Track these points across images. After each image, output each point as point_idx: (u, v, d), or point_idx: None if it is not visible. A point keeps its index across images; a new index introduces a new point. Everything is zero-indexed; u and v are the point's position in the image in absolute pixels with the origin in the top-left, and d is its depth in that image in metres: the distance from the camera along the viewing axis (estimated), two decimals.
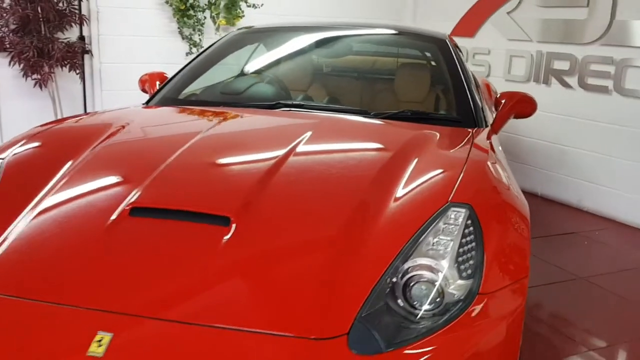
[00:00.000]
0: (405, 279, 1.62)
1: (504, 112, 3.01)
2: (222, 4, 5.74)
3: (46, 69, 4.95)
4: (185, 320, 1.52)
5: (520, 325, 1.72)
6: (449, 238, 1.70)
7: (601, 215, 4.90)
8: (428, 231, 1.72)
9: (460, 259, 1.67)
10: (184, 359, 1.45)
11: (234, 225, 1.74)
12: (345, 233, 1.75)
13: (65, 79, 5.34)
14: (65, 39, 5.12)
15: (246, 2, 5.82)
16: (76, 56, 5.16)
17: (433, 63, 3.36)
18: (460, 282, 1.63)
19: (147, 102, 3.14)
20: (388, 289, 1.60)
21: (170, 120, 2.79)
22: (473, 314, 1.59)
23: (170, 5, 5.64)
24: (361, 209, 1.84)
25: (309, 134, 2.35)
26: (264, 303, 1.58)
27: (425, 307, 1.59)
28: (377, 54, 3.55)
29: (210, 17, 5.80)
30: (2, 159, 2.16)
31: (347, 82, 3.37)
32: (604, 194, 4.89)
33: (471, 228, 1.74)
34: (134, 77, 5.58)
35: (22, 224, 1.84)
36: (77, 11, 5.11)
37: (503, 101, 3.07)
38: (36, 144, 2.31)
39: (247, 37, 3.63)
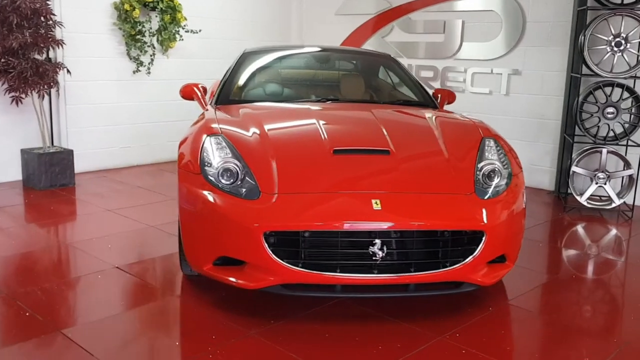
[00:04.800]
0: (482, 170, 3.42)
1: (443, 99, 4.94)
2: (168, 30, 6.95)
3: (39, 87, 5.77)
4: (392, 191, 3.20)
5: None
6: (493, 151, 3.55)
7: None
8: (483, 150, 3.55)
9: (501, 160, 3.52)
10: (398, 207, 3.12)
11: (391, 152, 3.40)
12: (443, 150, 3.49)
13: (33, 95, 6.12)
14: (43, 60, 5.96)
15: (183, 28, 7.08)
16: (54, 76, 6.02)
17: (391, 71, 5.17)
18: (504, 170, 3.48)
19: (216, 102, 4.45)
20: (477, 175, 3.38)
21: (280, 108, 4.26)
22: (513, 183, 3.46)
23: (123, 31, 6.70)
24: (438, 140, 3.60)
25: (371, 109, 4.04)
26: (427, 181, 3.31)
27: (495, 181, 3.40)
28: (349, 69, 5.29)
29: (158, 41, 6.98)
30: (220, 134, 3.47)
31: (345, 84, 5.02)
32: None
33: (499, 146, 3.61)
34: (91, 93, 6.61)
35: (273, 164, 3.26)
36: (53, 37, 5.97)
37: (439, 95, 5.00)
38: (229, 126, 3.64)
39: (252, 56, 5.08)
